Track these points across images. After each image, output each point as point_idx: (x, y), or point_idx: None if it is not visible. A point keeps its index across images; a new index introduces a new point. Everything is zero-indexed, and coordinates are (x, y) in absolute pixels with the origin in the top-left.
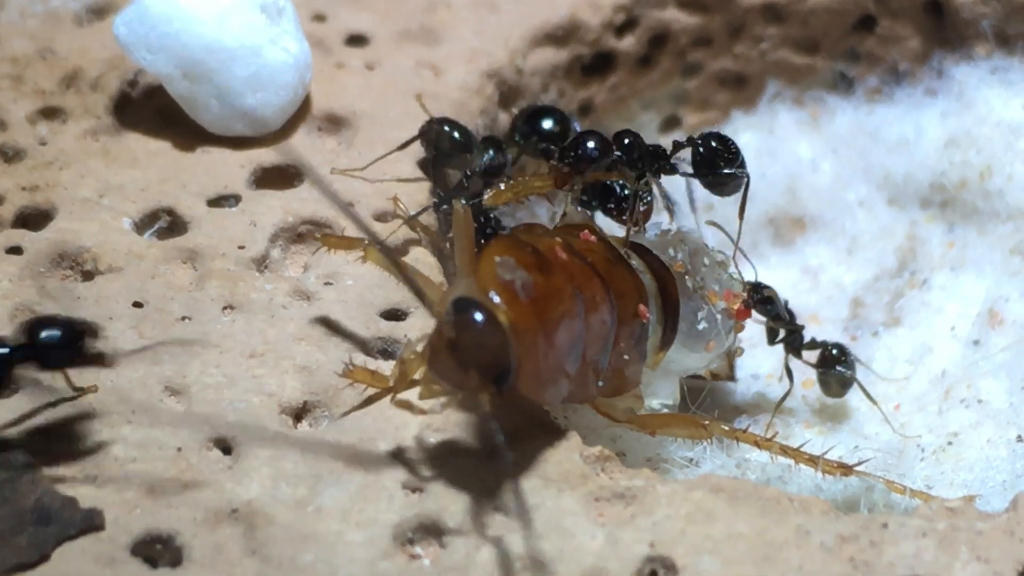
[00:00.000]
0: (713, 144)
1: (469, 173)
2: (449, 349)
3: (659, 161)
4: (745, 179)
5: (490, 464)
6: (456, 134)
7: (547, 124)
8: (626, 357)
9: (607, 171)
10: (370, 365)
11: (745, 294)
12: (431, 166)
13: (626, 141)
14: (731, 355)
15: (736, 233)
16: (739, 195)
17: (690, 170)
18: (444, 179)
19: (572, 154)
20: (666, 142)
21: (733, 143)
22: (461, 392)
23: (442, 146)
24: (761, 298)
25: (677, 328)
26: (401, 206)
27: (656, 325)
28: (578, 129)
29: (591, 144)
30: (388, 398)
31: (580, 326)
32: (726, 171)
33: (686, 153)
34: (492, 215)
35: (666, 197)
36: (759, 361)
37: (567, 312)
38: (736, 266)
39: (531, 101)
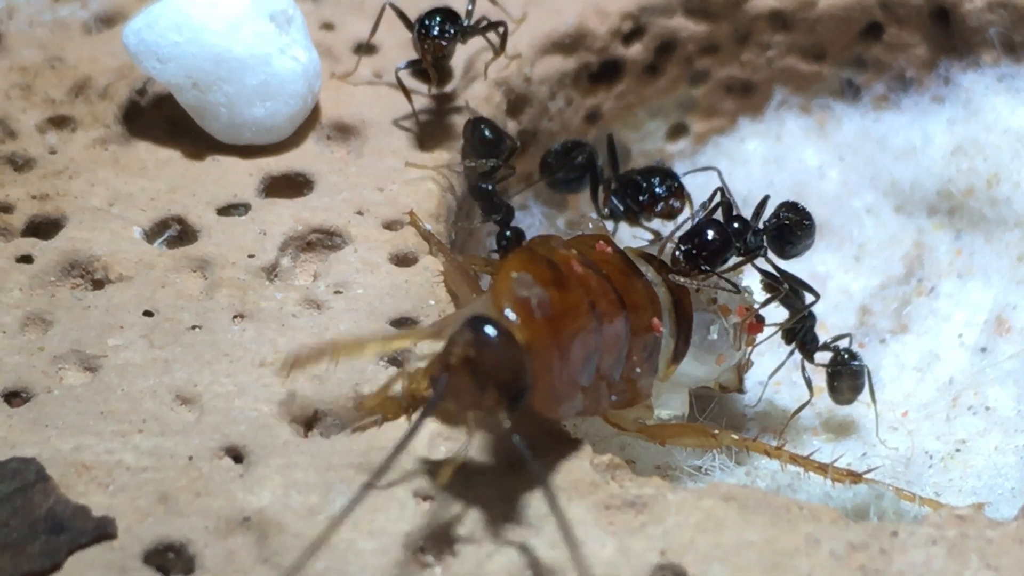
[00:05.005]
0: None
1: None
2: (466, 368)
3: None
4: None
5: (501, 472)
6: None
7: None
8: (638, 370)
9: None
10: (380, 375)
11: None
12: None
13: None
14: (741, 368)
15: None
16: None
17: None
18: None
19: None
20: (673, 149)
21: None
22: (476, 411)
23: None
24: (787, 287)
25: (690, 341)
26: (419, 221)
27: (669, 338)
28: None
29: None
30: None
31: (595, 341)
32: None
33: None
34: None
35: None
36: (768, 367)
37: (582, 328)
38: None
39: (538, 109)
